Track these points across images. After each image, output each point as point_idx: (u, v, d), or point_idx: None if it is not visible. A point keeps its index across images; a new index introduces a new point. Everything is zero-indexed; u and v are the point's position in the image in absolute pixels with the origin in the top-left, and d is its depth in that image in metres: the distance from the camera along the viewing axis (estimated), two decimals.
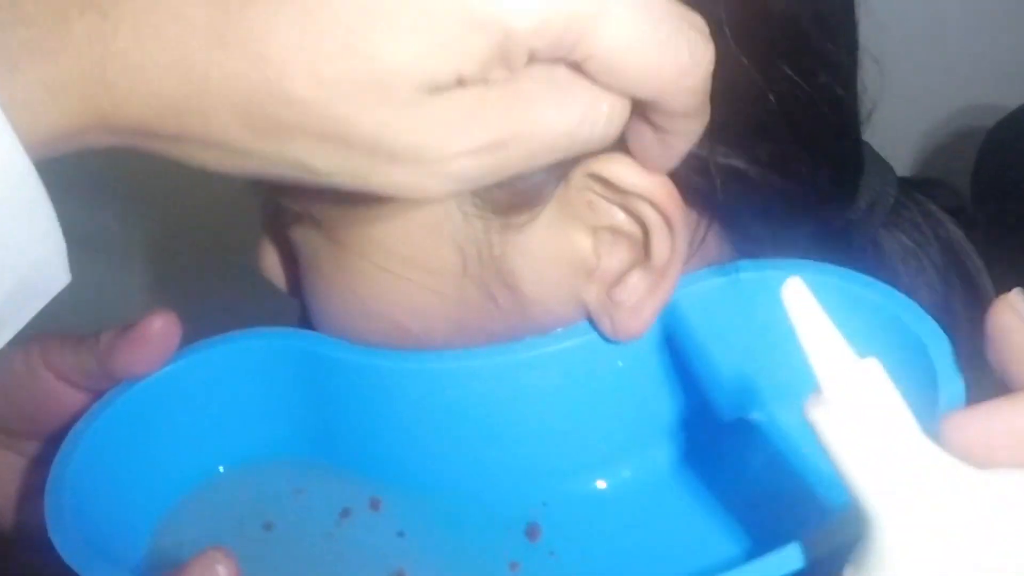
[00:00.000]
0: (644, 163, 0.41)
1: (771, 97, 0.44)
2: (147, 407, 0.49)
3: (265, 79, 0.33)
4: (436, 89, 0.34)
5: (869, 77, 0.53)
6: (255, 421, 0.51)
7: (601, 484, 0.50)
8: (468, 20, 0.33)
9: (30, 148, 0.33)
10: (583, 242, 0.45)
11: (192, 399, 0.50)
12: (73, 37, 0.33)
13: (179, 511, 0.50)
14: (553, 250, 0.44)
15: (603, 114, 0.37)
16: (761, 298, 0.46)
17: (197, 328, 0.51)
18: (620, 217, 0.44)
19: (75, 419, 0.50)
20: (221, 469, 0.51)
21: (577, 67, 0.35)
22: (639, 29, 0.34)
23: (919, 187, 0.59)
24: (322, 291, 0.48)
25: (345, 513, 0.50)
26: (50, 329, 0.53)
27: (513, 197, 0.43)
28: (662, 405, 0.49)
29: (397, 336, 0.47)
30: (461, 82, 0.34)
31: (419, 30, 0.33)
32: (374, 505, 0.50)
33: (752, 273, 0.47)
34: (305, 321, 0.51)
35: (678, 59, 0.35)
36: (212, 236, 0.99)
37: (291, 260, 0.52)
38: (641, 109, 0.38)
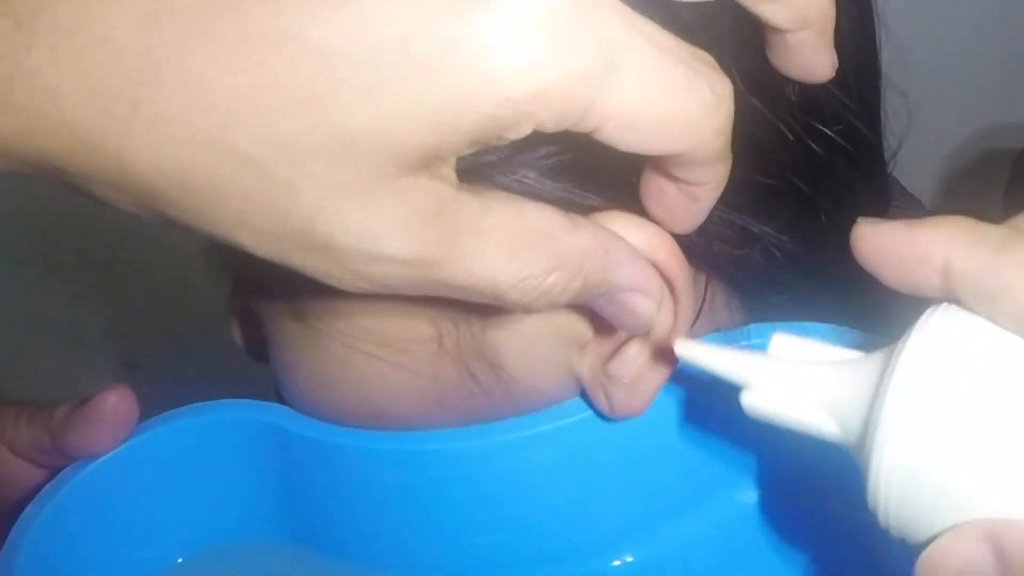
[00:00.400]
0: (670, 224, 0.36)
1: (786, 145, 0.39)
2: (102, 489, 0.45)
3: (202, 125, 0.28)
4: (401, 167, 0.29)
5: (891, 107, 0.49)
6: (219, 503, 0.47)
7: (616, 563, 0.45)
8: (454, 82, 0.28)
9: None
10: (574, 310, 0.40)
11: (151, 479, 0.46)
12: None
13: None
14: (540, 321, 0.40)
15: (546, 284, 0.32)
16: None
17: (164, 397, 0.47)
18: None
19: (28, 496, 0.47)
20: (180, 560, 0.47)
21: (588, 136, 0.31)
22: (657, 75, 0.30)
23: None
24: (291, 367, 0.44)
25: None
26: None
27: None
28: (670, 480, 0.45)
29: (372, 416, 0.43)
30: (435, 160, 0.30)
31: (394, 90, 0.28)
32: None
33: (763, 340, 0.42)
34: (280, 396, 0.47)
35: (702, 100, 0.30)
36: (180, 296, 0.95)
37: (260, 328, 0.48)
38: (658, 166, 0.34)
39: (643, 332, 0.38)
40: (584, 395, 0.42)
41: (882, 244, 0.31)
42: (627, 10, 0.30)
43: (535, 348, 0.41)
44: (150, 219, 0.31)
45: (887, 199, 0.49)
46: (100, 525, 0.46)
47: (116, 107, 0.28)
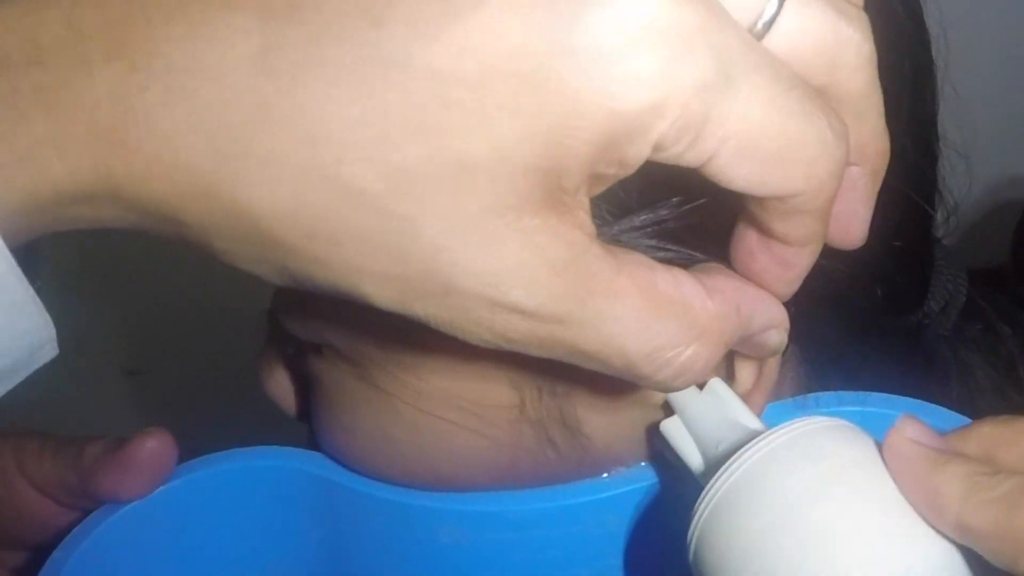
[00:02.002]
0: (770, 287, 0.33)
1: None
2: (134, 533, 0.43)
3: (316, 163, 0.26)
4: (523, 198, 0.27)
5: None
6: (254, 554, 0.45)
7: None
8: (567, 95, 0.26)
9: (26, 212, 0.27)
10: None
11: (185, 526, 0.44)
12: (93, 89, 0.26)
13: None
14: (623, 382, 0.38)
15: (684, 358, 0.29)
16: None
17: (162, 406, 0.44)
18: None
19: (51, 533, 0.45)
20: None
21: (693, 167, 0.28)
22: (776, 97, 0.27)
23: (988, 278, 0.54)
24: (343, 427, 0.42)
25: None
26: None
27: None
28: None
29: (433, 478, 0.41)
30: (559, 193, 0.27)
31: (507, 109, 0.26)
32: None
33: (829, 409, 0.41)
34: (314, 444, 0.45)
35: (821, 133, 0.28)
36: (210, 340, 0.92)
37: (302, 384, 0.46)
38: (755, 219, 0.31)
39: (769, 356, 0.36)
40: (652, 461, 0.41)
41: (905, 468, 0.31)
42: (742, 27, 0.27)
43: (619, 413, 0.39)
44: (275, 278, 0.29)
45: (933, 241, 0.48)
46: (130, 571, 0.43)
47: (230, 147, 0.26)
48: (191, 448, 0.44)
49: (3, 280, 0.27)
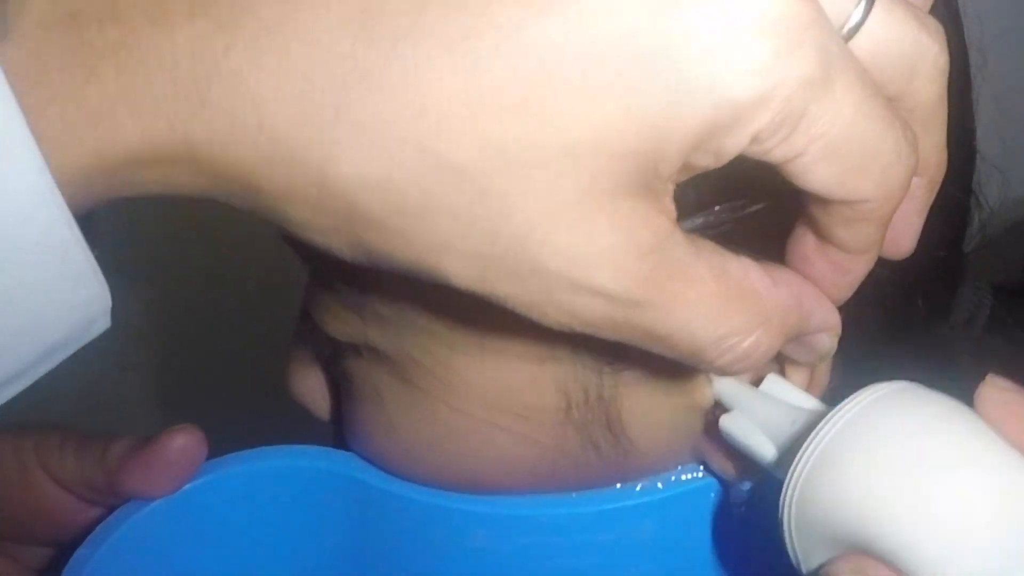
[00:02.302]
0: (824, 293, 0.33)
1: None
2: (160, 532, 0.42)
3: (414, 134, 0.25)
4: (619, 182, 0.26)
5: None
6: (284, 554, 0.44)
7: None
8: (677, 81, 0.26)
9: (94, 174, 0.26)
10: (698, 372, 0.38)
11: (213, 525, 0.43)
12: (174, 46, 0.25)
13: None
14: (673, 385, 0.38)
15: (747, 344, 0.29)
16: None
17: (156, 402, 0.43)
18: None
19: (73, 530, 0.44)
20: None
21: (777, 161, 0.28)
22: (864, 101, 0.27)
23: (1011, 292, 0.54)
24: (380, 429, 0.41)
25: None
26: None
27: None
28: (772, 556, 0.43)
29: (467, 481, 0.40)
30: (653, 179, 0.27)
31: (616, 91, 0.25)
32: None
33: None
34: (341, 441, 0.44)
35: (898, 142, 0.28)
36: (177, 297, 0.91)
37: (333, 386, 0.45)
38: (816, 224, 0.31)
39: (817, 361, 0.36)
40: (703, 464, 0.40)
41: (1007, 412, 0.31)
42: (835, 30, 0.27)
43: (662, 416, 0.38)
44: (347, 253, 0.28)
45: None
46: (155, 569, 0.42)
47: (320, 113, 0.25)
48: None
49: (66, 249, 0.26)
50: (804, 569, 0.32)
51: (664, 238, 0.27)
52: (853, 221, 0.30)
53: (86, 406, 0.86)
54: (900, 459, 0.30)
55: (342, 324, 0.39)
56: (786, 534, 0.32)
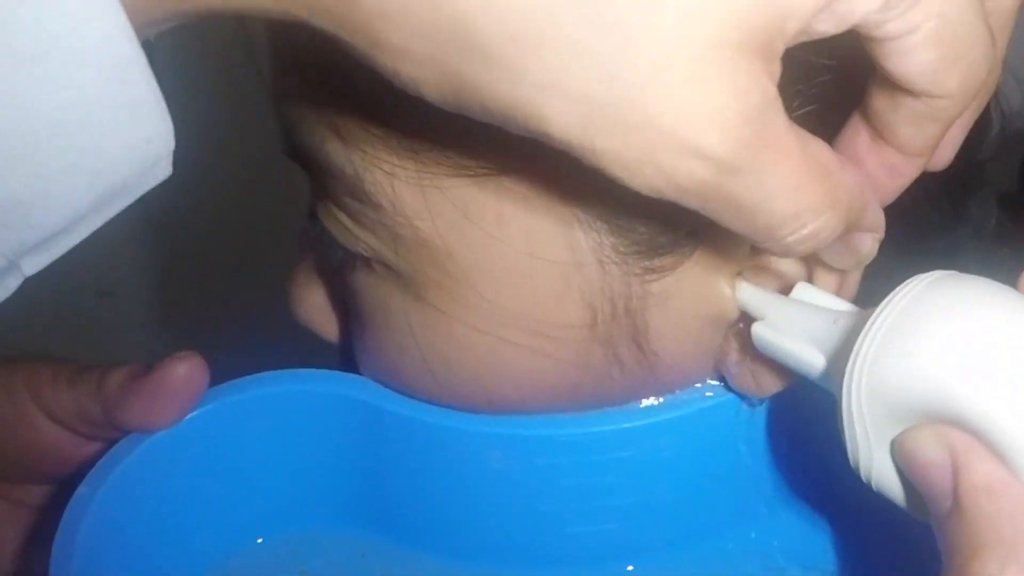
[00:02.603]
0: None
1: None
2: (164, 465, 0.41)
3: None
4: (744, 39, 0.25)
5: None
6: (289, 484, 0.43)
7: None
8: None
9: None
10: (728, 283, 0.37)
11: (217, 455, 0.42)
12: None
13: None
14: (701, 296, 0.37)
15: (818, 223, 0.29)
16: None
17: (137, 330, 0.42)
18: None
19: (72, 466, 0.43)
20: (259, 540, 0.43)
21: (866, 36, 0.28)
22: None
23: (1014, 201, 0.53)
24: (391, 350, 0.39)
25: None
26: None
27: (664, 234, 0.35)
28: (784, 466, 0.42)
29: (483, 401, 0.39)
30: (774, 43, 0.26)
31: None
32: None
33: None
34: (347, 364, 0.43)
35: (986, 44, 0.28)
36: (156, 220, 0.88)
37: (340, 305, 0.43)
38: (877, 119, 0.31)
39: (854, 265, 0.35)
40: (721, 379, 0.40)
41: None
42: None
43: (689, 329, 0.37)
44: (434, 89, 0.26)
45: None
46: (164, 504, 0.41)
47: None
48: None
49: (127, 69, 0.24)
50: (865, 452, 0.32)
51: (770, 103, 0.27)
52: (923, 119, 0.30)
53: (63, 336, 0.85)
54: (986, 332, 0.29)
55: (351, 237, 0.37)
56: (849, 415, 0.31)
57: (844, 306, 0.35)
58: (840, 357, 0.32)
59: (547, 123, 0.26)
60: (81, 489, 0.39)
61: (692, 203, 0.28)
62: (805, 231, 0.29)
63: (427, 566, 0.42)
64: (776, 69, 0.27)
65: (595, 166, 0.27)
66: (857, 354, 0.31)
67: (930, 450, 0.29)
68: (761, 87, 0.26)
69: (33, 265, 0.27)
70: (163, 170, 0.27)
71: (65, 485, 0.41)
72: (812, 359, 0.34)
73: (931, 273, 0.32)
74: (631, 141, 0.26)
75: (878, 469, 0.32)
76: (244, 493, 0.43)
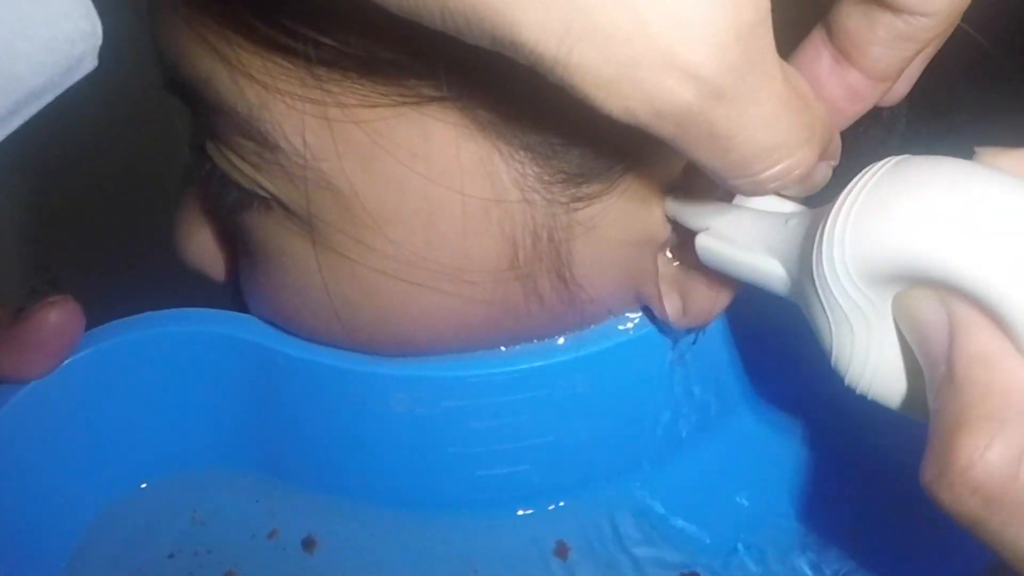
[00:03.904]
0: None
1: None
2: (38, 416, 0.38)
3: None
4: None
5: None
6: (178, 430, 0.40)
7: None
8: None
9: None
10: (659, 206, 0.35)
11: (96, 403, 0.39)
12: None
13: (91, 538, 0.40)
14: (629, 221, 0.35)
15: (795, 158, 0.27)
16: None
17: (83, 304, 0.39)
18: None
19: None
20: (143, 485, 0.41)
21: None
22: None
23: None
24: (288, 292, 0.37)
25: (309, 544, 0.40)
26: None
27: (597, 160, 0.33)
28: (691, 403, 0.41)
29: (389, 343, 0.36)
30: None
31: None
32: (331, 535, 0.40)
33: None
34: (239, 305, 0.40)
35: None
36: (99, 193, 0.83)
37: (230, 243, 0.40)
38: (844, 41, 0.30)
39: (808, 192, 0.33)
40: (644, 310, 0.38)
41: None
42: None
43: (615, 255, 0.35)
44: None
45: None
46: (36, 456, 0.38)
47: None
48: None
49: None
50: (852, 342, 0.30)
51: (760, 20, 0.25)
52: (900, 39, 0.29)
53: None
54: (980, 201, 0.27)
55: (245, 178, 0.34)
56: (830, 304, 0.29)
57: (791, 207, 0.33)
58: (802, 257, 0.30)
59: (519, 30, 0.24)
60: None
61: (664, 130, 0.26)
62: (778, 167, 0.27)
63: (325, 507, 0.40)
64: None
65: (563, 83, 0.25)
66: (831, 237, 0.29)
67: (931, 311, 0.28)
68: (755, 1, 0.25)
69: None
70: (88, 64, 0.25)
71: None
72: (766, 265, 0.32)
73: (888, 159, 0.30)
74: (613, 54, 0.24)
75: (875, 359, 0.30)
76: (126, 439, 0.40)
